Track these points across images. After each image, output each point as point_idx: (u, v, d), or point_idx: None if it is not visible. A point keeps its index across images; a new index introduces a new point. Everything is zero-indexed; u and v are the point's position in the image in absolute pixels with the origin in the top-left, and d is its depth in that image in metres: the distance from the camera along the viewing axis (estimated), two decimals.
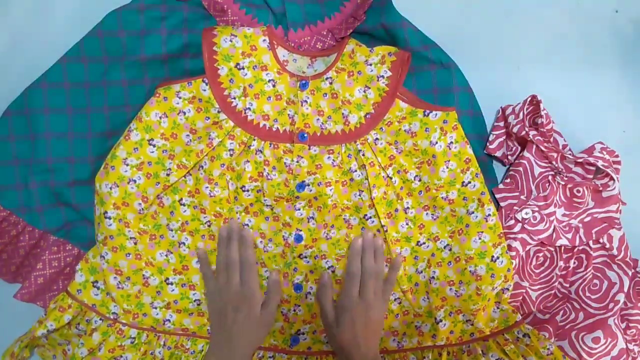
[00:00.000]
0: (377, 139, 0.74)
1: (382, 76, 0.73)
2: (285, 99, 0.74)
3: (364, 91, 0.74)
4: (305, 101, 0.74)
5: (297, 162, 0.73)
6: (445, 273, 0.74)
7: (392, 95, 0.73)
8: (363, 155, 0.73)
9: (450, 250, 0.74)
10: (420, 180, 0.74)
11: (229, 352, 0.68)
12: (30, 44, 0.80)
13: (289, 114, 0.74)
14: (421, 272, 0.75)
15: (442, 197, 0.74)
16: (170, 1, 0.76)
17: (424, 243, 0.75)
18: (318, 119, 0.74)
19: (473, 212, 0.73)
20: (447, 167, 0.73)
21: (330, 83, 0.74)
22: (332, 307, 0.72)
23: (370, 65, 0.73)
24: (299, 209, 0.74)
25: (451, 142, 0.73)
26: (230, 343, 0.68)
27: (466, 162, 0.73)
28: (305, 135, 0.74)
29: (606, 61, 0.83)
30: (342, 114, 0.74)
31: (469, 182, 0.73)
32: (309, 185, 0.73)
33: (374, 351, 0.70)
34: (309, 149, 0.74)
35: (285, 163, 0.73)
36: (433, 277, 0.74)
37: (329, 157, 0.73)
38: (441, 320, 0.74)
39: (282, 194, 0.73)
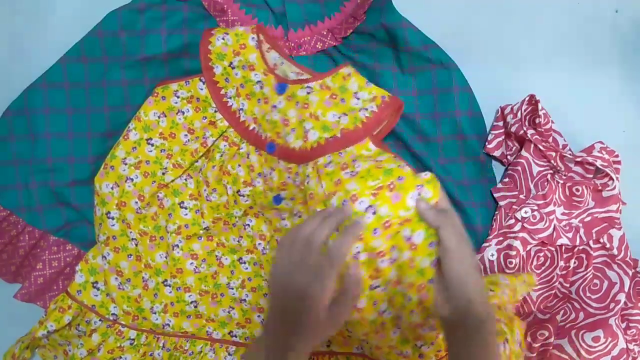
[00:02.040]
0: (330, 162, 0.64)
1: (366, 109, 0.66)
2: (271, 103, 0.71)
3: (339, 117, 0.66)
4: (276, 106, 0.68)
5: (270, 174, 0.69)
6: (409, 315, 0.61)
7: (366, 130, 0.65)
8: (308, 183, 0.63)
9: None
10: (374, 213, 0.56)
11: (280, 347, 0.52)
12: (30, 44, 0.80)
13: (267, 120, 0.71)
14: (384, 311, 0.61)
15: (404, 236, 0.58)
16: (170, 1, 0.76)
17: (379, 286, 0.60)
18: (284, 129, 0.68)
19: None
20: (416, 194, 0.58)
21: (308, 93, 0.68)
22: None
23: (359, 99, 0.67)
24: (284, 219, 0.72)
25: None
26: (283, 336, 0.52)
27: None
28: (274, 145, 0.68)
29: (606, 61, 0.83)
30: (304, 127, 0.66)
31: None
32: (284, 199, 0.69)
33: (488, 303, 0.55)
34: (279, 162, 0.68)
35: (264, 172, 0.70)
36: (399, 317, 0.62)
37: (289, 177, 0.67)
38: (423, 345, 0.65)
39: (265, 204, 0.71)
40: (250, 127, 0.72)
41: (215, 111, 0.72)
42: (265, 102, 0.71)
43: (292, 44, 0.78)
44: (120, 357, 0.71)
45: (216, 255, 0.74)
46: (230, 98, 0.72)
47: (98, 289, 0.73)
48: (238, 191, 0.71)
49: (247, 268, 0.74)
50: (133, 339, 0.73)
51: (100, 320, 0.72)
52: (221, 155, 0.71)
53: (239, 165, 0.71)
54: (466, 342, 0.53)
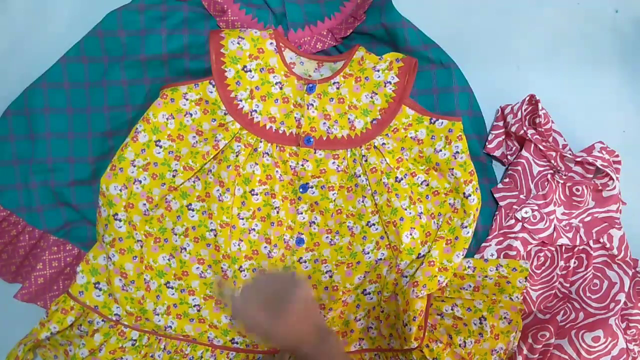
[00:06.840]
0: (384, 143, 0.74)
1: (390, 82, 0.74)
2: (292, 102, 0.75)
3: (371, 97, 0.74)
4: (312, 104, 0.74)
5: (302, 165, 0.73)
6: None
7: (399, 101, 0.74)
8: (366, 160, 0.73)
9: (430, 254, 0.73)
10: (427, 185, 0.74)
11: None
12: (30, 44, 0.80)
13: (295, 117, 0.74)
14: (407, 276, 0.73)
15: (449, 203, 0.74)
16: (171, 1, 0.76)
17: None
18: (324, 123, 0.74)
19: (466, 227, 0.73)
20: (453, 175, 0.73)
21: (337, 88, 0.74)
22: None
23: (378, 71, 0.74)
24: (302, 213, 0.74)
25: (457, 152, 0.73)
26: None
27: (470, 174, 0.73)
28: (311, 139, 0.74)
29: (606, 61, 0.83)
30: (348, 118, 0.74)
31: (469, 196, 0.73)
32: (312, 187, 0.73)
33: None
34: (315, 152, 0.74)
35: (290, 166, 0.73)
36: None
37: (333, 162, 0.74)
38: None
39: (287, 194, 0.73)
40: (267, 126, 0.73)
41: (225, 113, 0.73)
42: (285, 102, 0.74)
43: (292, 45, 0.78)
44: (122, 358, 0.71)
45: (222, 268, 0.73)
46: (241, 101, 0.73)
47: (100, 290, 0.73)
48: (252, 190, 0.72)
49: (245, 276, 0.74)
50: (135, 340, 0.73)
51: (102, 320, 0.72)
52: (236, 156, 0.71)
53: (256, 164, 0.72)
54: None
